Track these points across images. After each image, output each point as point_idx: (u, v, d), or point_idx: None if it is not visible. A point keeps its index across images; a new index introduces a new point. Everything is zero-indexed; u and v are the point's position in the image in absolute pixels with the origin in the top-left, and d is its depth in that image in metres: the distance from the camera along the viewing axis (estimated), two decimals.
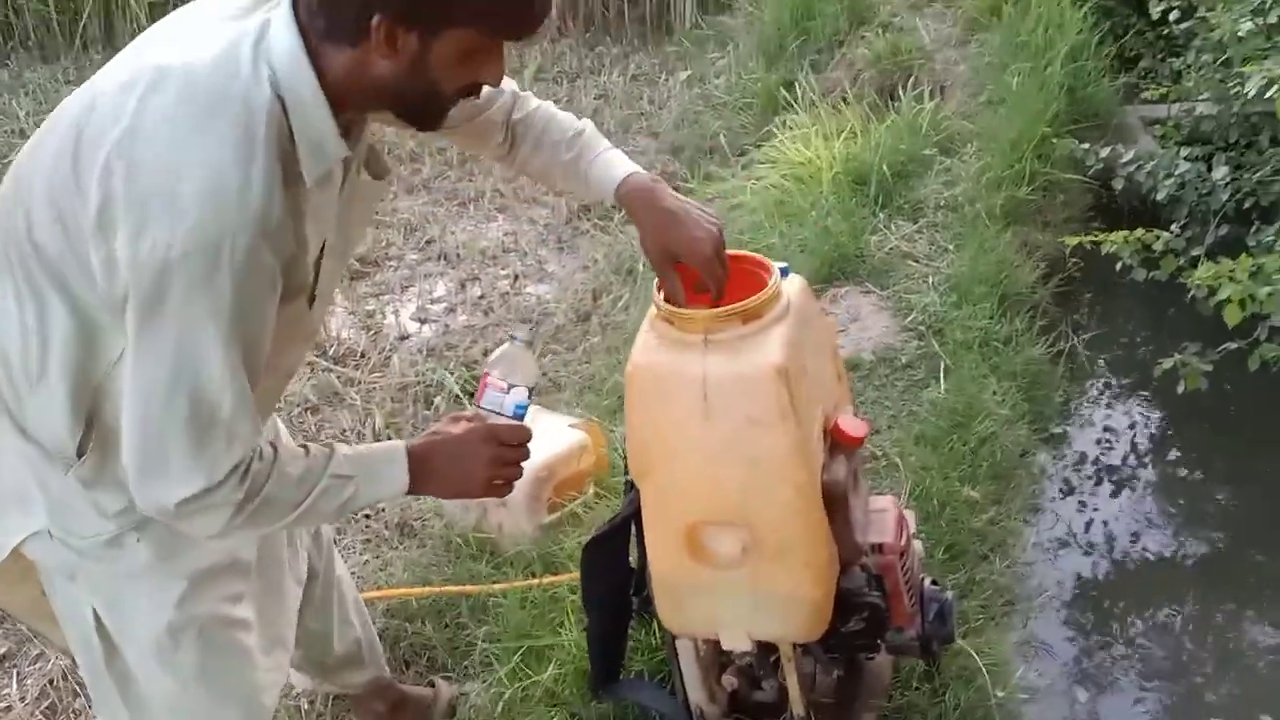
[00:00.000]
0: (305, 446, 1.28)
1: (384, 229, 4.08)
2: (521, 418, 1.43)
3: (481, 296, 3.63)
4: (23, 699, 2.13)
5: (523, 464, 1.41)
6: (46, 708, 2.12)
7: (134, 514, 1.27)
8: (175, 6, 1.28)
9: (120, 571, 1.31)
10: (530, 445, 1.42)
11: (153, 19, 4.74)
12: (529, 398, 1.44)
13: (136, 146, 1.08)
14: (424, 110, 1.23)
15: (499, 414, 1.41)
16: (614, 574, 1.81)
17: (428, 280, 3.75)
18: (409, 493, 1.33)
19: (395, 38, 1.11)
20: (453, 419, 1.39)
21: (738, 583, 1.63)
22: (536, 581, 2.15)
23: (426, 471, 1.33)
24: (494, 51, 1.19)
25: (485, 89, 1.28)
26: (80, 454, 1.24)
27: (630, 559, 1.82)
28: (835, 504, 1.66)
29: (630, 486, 1.76)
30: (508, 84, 1.45)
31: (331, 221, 1.26)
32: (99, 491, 1.26)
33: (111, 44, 5.64)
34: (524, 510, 2.34)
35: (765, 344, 1.55)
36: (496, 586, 2.17)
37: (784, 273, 1.66)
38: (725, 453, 1.57)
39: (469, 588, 2.20)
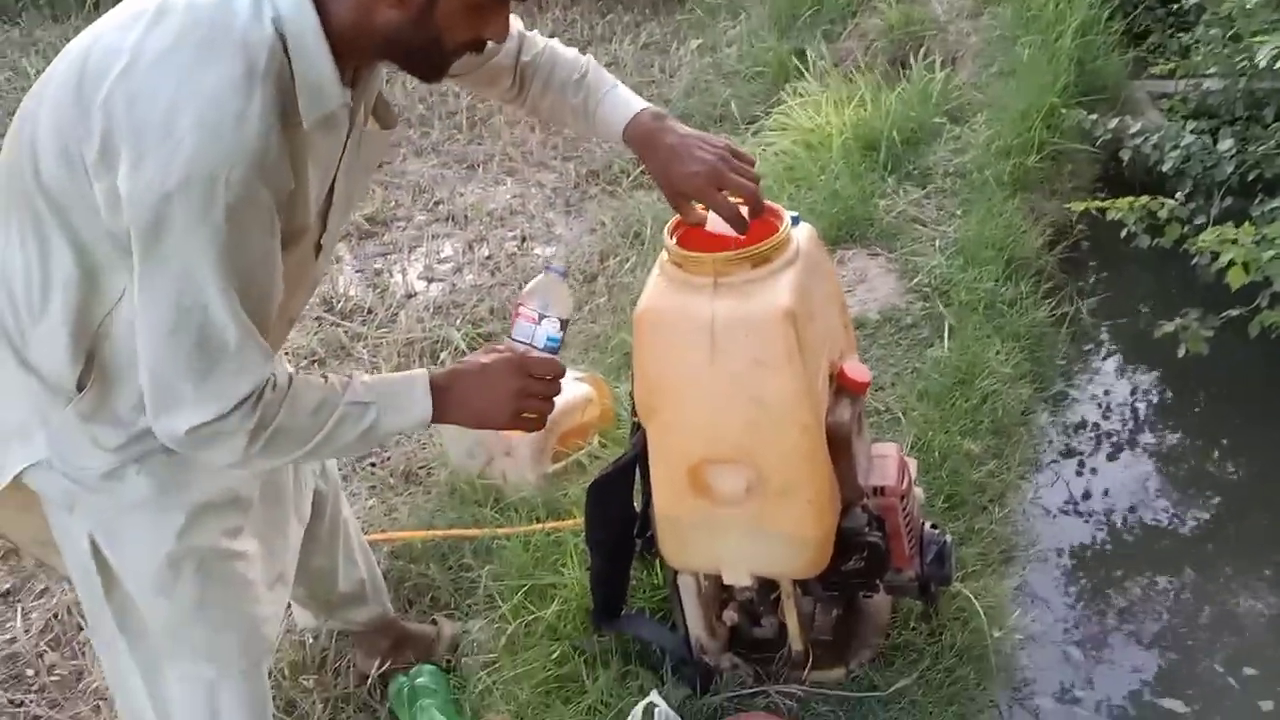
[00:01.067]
0: (325, 376, 1.29)
1: (393, 190, 4.11)
2: (554, 351, 1.40)
3: (489, 257, 3.65)
4: (26, 631, 2.17)
5: (554, 399, 1.38)
6: (50, 640, 2.16)
7: (132, 449, 1.29)
8: None
9: (119, 503, 1.33)
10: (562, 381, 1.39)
11: None
12: (562, 330, 1.41)
13: (136, 78, 1.10)
14: (427, 62, 1.24)
15: (530, 345, 1.38)
16: (618, 515, 1.84)
17: (435, 241, 3.77)
18: (433, 421, 1.32)
19: None
20: (483, 351, 1.39)
21: (741, 520, 1.66)
22: (540, 526, 2.18)
23: (450, 399, 1.32)
24: (500, 8, 1.21)
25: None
26: (80, 389, 1.26)
27: (635, 502, 1.85)
28: (839, 445, 1.69)
29: (635, 429, 1.79)
30: (514, 23, 1.45)
31: (334, 169, 1.27)
32: (97, 426, 1.28)
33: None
34: (529, 459, 2.37)
35: (774, 288, 1.57)
36: (500, 530, 2.20)
37: (795, 221, 1.68)
38: (732, 394, 1.60)
39: (473, 530, 2.24)
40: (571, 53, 1.58)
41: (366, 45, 1.19)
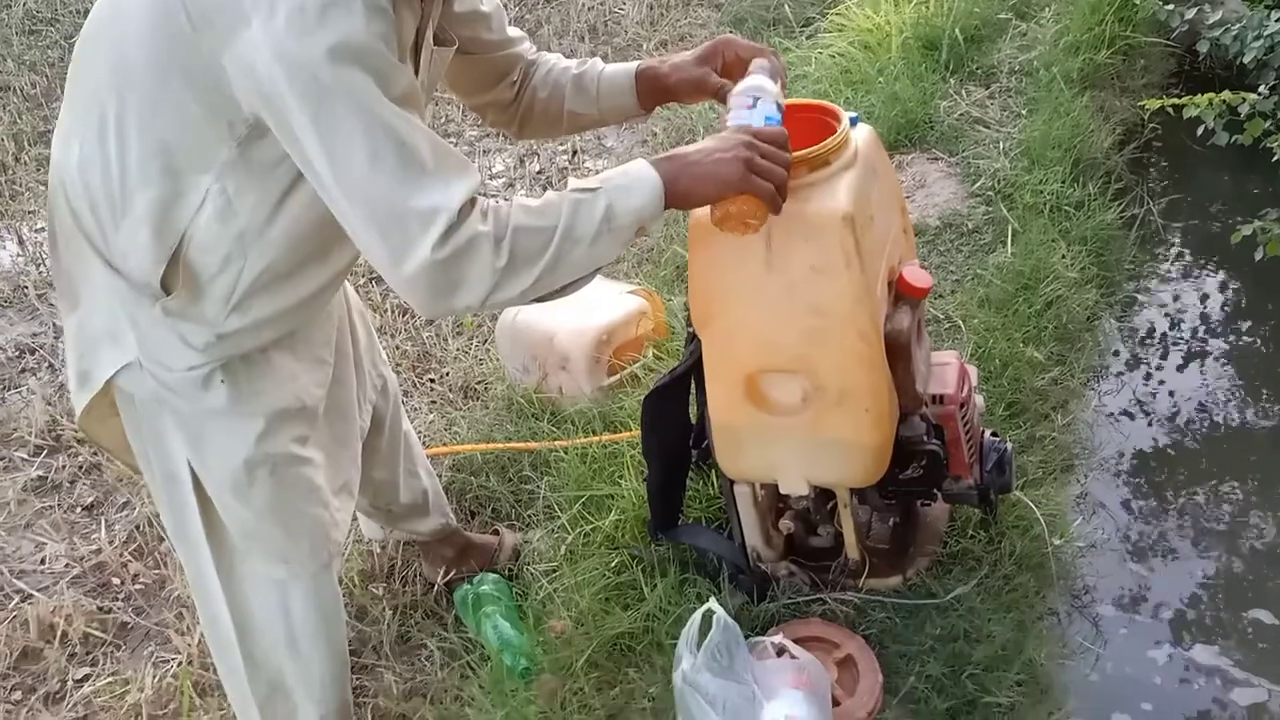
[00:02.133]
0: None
1: (442, 105, 4.06)
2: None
3: (540, 172, 3.62)
4: (111, 543, 2.26)
5: (786, 168, 1.31)
6: (134, 550, 2.25)
7: (218, 349, 1.31)
8: None
9: (204, 408, 1.36)
10: (788, 150, 1.31)
11: None
12: (779, 109, 1.35)
13: None
14: None
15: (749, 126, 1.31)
16: (674, 425, 1.84)
17: (486, 156, 3.74)
18: (668, 192, 1.25)
19: None
20: None
21: (797, 429, 1.65)
22: (596, 438, 2.20)
23: (676, 166, 1.26)
24: None
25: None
26: (166, 289, 1.27)
27: (690, 412, 1.84)
28: (898, 352, 1.66)
29: (691, 339, 1.78)
30: (529, 43, 1.54)
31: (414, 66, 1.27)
32: (185, 324, 1.29)
33: None
34: (584, 372, 2.38)
35: (832, 191, 1.53)
36: (558, 443, 2.22)
37: (853, 122, 1.62)
38: (788, 301, 1.57)
39: (531, 444, 2.26)
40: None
41: None
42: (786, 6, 4.40)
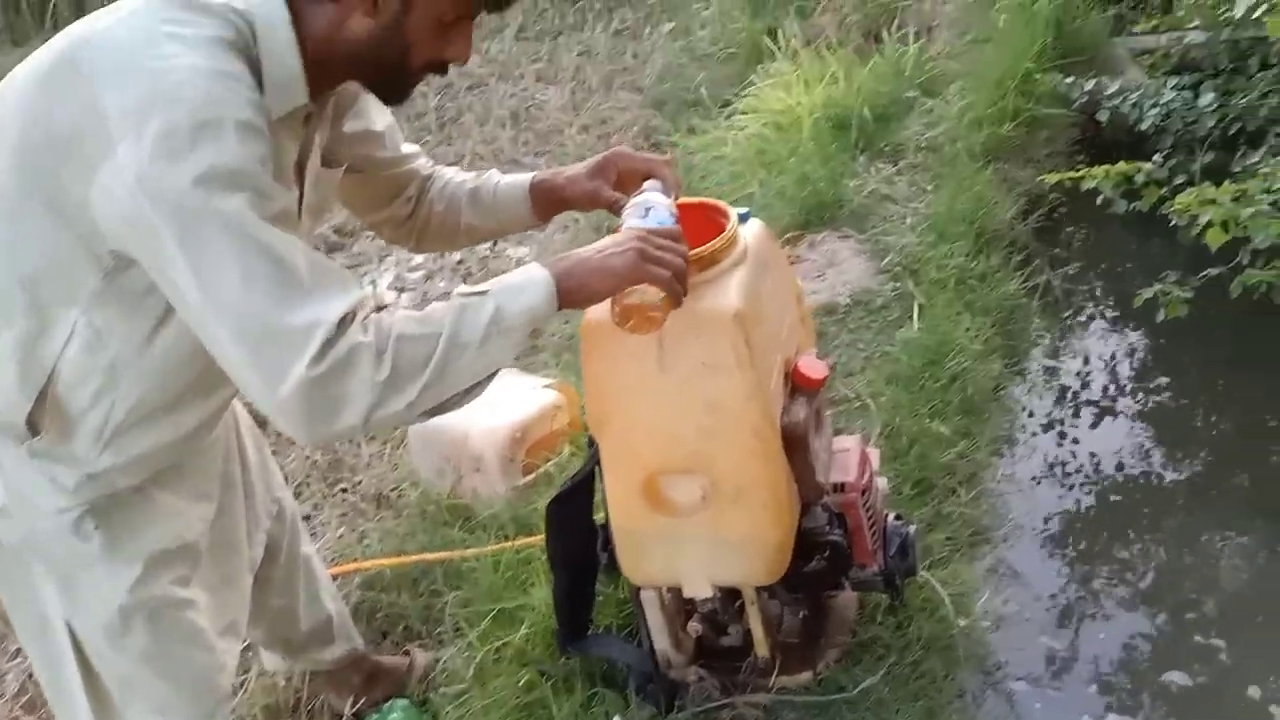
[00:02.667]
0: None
1: None
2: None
3: (460, 262, 3.62)
4: (1, 695, 2.12)
5: (684, 261, 1.30)
6: (25, 704, 2.09)
7: (91, 488, 1.27)
8: None
9: (76, 554, 1.30)
10: (680, 247, 1.31)
11: None
12: (673, 217, 1.36)
13: (114, 54, 1.09)
14: (393, 77, 1.24)
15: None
16: (579, 531, 1.81)
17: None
18: (561, 291, 1.22)
19: None
20: None
21: (698, 529, 1.63)
22: (510, 544, 2.15)
23: (568, 265, 1.24)
24: (465, 25, 1.22)
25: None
26: (33, 429, 1.23)
27: (596, 516, 1.82)
28: (795, 445, 1.66)
29: (592, 442, 1.76)
30: (425, 158, 1.55)
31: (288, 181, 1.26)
32: (55, 465, 1.25)
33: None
34: (498, 473, 2.35)
35: (722, 290, 1.54)
36: (469, 551, 2.17)
37: (744, 218, 1.64)
38: (682, 400, 1.57)
39: (441, 554, 2.20)
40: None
41: (337, 57, 1.19)
42: (704, 89, 4.50)
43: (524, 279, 1.23)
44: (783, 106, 3.78)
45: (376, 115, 1.45)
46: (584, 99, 4.76)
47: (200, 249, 1.07)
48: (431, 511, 2.34)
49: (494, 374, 1.23)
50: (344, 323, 1.10)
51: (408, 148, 1.53)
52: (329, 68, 1.21)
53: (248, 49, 1.14)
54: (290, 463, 2.70)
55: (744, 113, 3.95)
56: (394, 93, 1.28)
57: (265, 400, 1.11)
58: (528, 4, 5.95)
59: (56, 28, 5.82)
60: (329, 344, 1.09)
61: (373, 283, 3.53)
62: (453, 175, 1.58)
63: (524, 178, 1.55)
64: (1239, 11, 3.06)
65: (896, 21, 4.46)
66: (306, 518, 2.53)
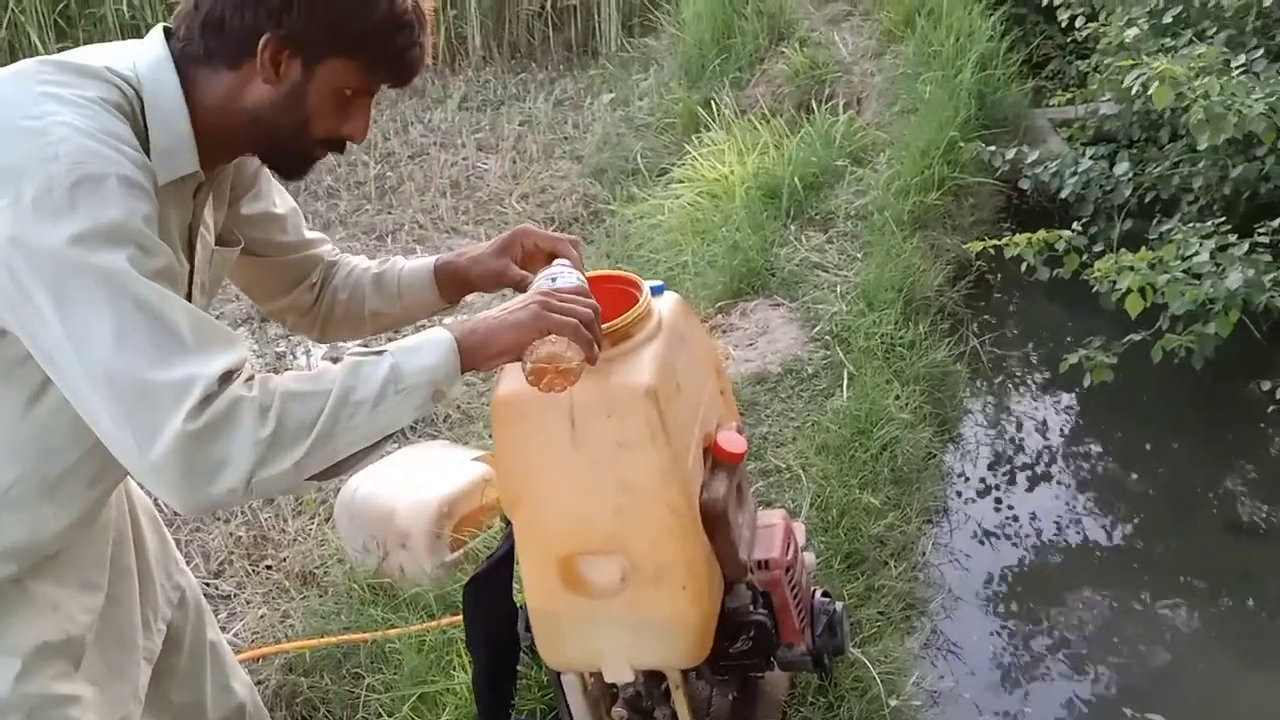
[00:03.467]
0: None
1: None
2: None
3: (397, 332, 3.58)
4: None
5: (592, 310, 1.27)
6: None
7: None
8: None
9: None
10: (589, 301, 1.28)
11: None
12: (580, 280, 1.35)
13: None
14: (291, 150, 1.23)
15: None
16: (498, 612, 1.76)
17: None
18: (461, 349, 1.18)
19: (280, 61, 1.14)
20: None
21: (616, 611, 1.59)
22: (434, 624, 2.10)
23: (472, 324, 1.20)
24: (364, 101, 1.22)
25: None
26: None
27: (516, 595, 1.78)
28: (715, 522, 1.63)
29: (508, 520, 1.73)
30: (330, 244, 1.52)
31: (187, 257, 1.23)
32: None
33: None
34: (425, 549, 2.29)
35: (634, 365, 1.52)
36: (392, 632, 2.11)
37: (658, 290, 1.64)
38: (597, 478, 1.54)
39: (364, 635, 2.14)
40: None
41: (233, 125, 1.17)
42: (642, 157, 4.55)
43: (423, 339, 1.18)
44: (716, 175, 3.84)
45: (278, 198, 1.43)
46: (524, 168, 4.79)
47: (74, 306, 1.03)
48: (356, 590, 2.28)
49: (388, 437, 1.17)
50: (226, 378, 1.06)
51: (311, 234, 1.50)
52: (223, 138, 1.19)
53: (132, 113, 1.12)
54: (213, 539, 2.63)
55: (680, 181, 4.00)
56: (291, 167, 1.26)
57: (138, 461, 1.05)
58: (471, 74, 6.02)
59: None
60: (208, 399, 1.04)
61: (306, 353, 3.48)
62: (358, 262, 1.54)
63: (428, 261, 1.52)
64: (1132, 86, 3.19)
65: (828, 92, 4.57)
66: (228, 597, 2.46)
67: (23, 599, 1.27)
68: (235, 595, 2.47)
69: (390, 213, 4.45)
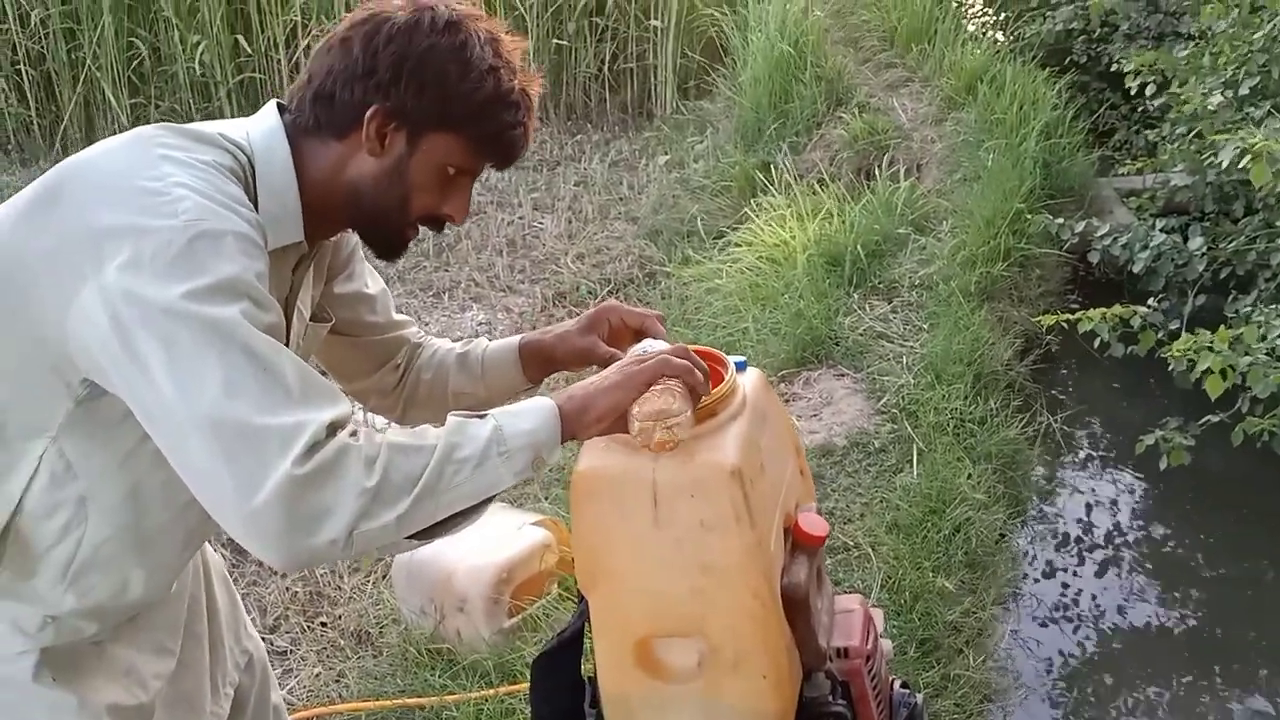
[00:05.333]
0: None
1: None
2: None
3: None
4: None
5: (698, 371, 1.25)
6: None
7: (51, 632, 1.20)
8: (156, 109, 1.31)
9: (31, 701, 1.21)
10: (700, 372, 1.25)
11: (135, 121, 4.76)
12: None
13: (105, 177, 1.08)
14: (389, 226, 1.23)
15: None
16: (566, 689, 1.71)
17: None
18: (563, 415, 1.16)
19: (385, 133, 1.16)
20: None
21: (693, 697, 1.54)
22: (493, 692, 2.06)
23: (572, 393, 1.19)
24: (465, 181, 1.23)
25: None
26: None
27: (584, 671, 1.73)
28: (796, 608, 1.57)
29: (582, 597, 1.69)
30: (416, 326, 1.52)
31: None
32: (15, 604, 1.18)
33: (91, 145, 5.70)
34: (482, 614, 2.25)
35: (719, 444, 1.48)
36: (450, 698, 2.07)
37: (741, 366, 1.60)
38: (677, 560, 1.49)
39: (422, 699, 2.11)
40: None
41: (336, 198, 1.19)
42: (699, 220, 4.56)
43: (525, 405, 1.18)
44: (777, 240, 3.82)
45: (370, 279, 1.44)
46: (580, 228, 4.81)
47: (182, 354, 1.03)
48: (412, 653, 2.24)
49: (488, 501, 1.16)
50: (333, 427, 1.04)
51: (398, 316, 1.50)
52: (326, 210, 1.20)
53: (245, 179, 1.14)
54: (269, 593, 2.61)
55: (738, 245, 3.99)
56: (388, 244, 1.26)
57: (237, 509, 1.02)
58: None
59: (65, 151, 5.95)
60: (316, 445, 1.02)
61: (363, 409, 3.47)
62: (441, 343, 1.54)
63: (513, 341, 1.51)
64: (1225, 160, 3.13)
65: (888, 158, 4.55)
66: (283, 653, 2.43)
67: (101, 661, 1.26)
68: (290, 652, 2.44)
69: (447, 270, 4.48)
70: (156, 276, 1.03)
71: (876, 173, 4.34)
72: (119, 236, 1.04)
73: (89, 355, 1.08)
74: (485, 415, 1.14)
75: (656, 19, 6.14)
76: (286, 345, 1.24)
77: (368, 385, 1.49)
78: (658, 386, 1.23)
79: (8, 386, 1.12)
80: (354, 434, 1.06)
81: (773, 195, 4.25)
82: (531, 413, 1.16)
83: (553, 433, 1.17)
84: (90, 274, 1.04)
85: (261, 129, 1.18)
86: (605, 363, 1.44)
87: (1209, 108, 3.43)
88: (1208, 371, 2.72)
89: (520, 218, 4.92)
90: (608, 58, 6.32)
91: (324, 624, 2.50)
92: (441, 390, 1.50)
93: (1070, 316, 2.96)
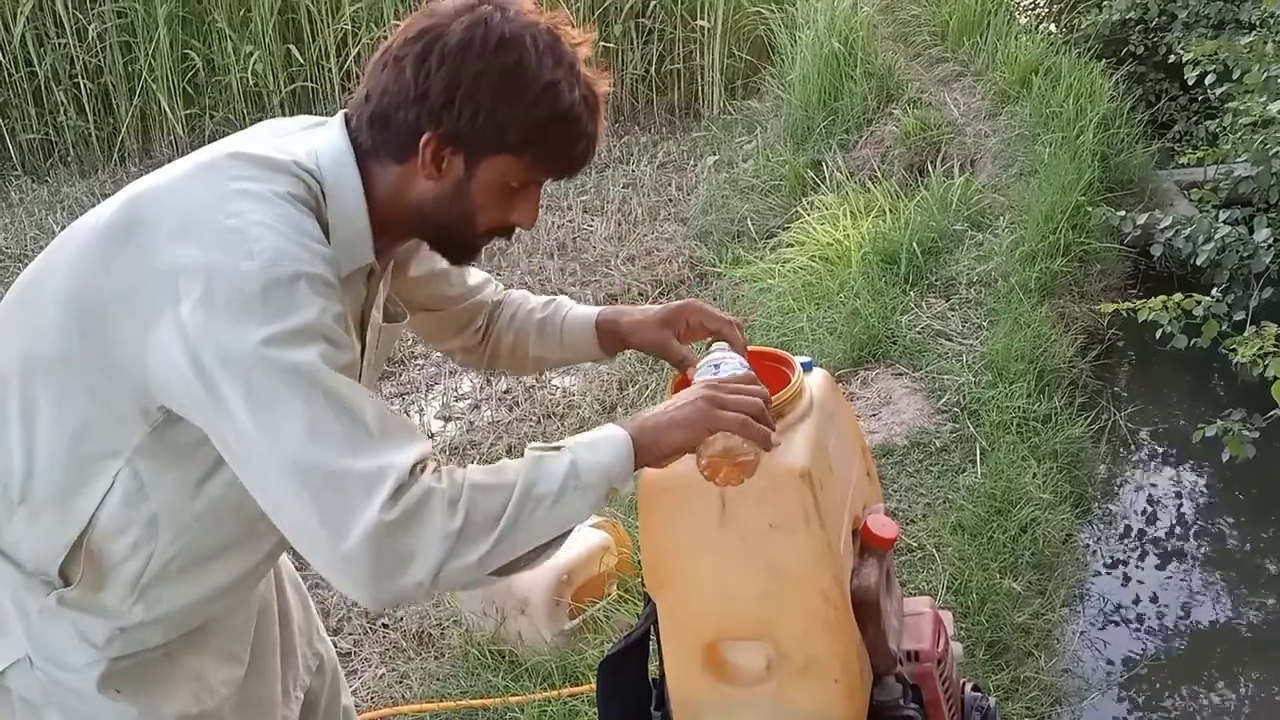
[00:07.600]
0: None
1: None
2: None
3: (506, 391, 3.60)
4: None
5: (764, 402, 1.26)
6: None
7: (120, 643, 1.22)
8: (211, 119, 1.32)
9: (98, 712, 1.23)
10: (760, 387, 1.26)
11: (190, 132, 4.84)
12: (744, 365, 1.33)
13: (181, 211, 1.08)
14: (458, 240, 1.24)
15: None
16: (632, 691, 1.71)
17: (453, 377, 3.73)
18: (637, 447, 1.17)
19: (442, 158, 1.14)
20: None
21: (762, 701, 1.53)
22: (556, 693, 2.06)
23: (642, 420, 1.19)
24: (532, 190, 1.21)
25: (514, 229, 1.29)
26: (64, 577, 1.19)
27: (650, 673, 1.72)
28: (867, 610, 1.56)
29: (648, 599, 1.68)
30: (494, 284, 1.53)
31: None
32: (84, 617, 1.20)
33: (149, 157, 5.83)
34: (544, 616, 2.26)
35: (787, 446, 1.46)
36: (513, 699, 2.08)
37: (807, 367, 1.59)
38: (745, 562, 1.48)
39: (485, 700, 2.12)
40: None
41: (401, 219, 1.19)
42: (749, 220, 4.53)
43: (600, 436, 1.18)
44: (830, 239, 3.79)
45: None
46: (629, 230, 4.81)
47: (265, 401, 1.04)
48: (474, 655, 2.26)
49: (566, 534, 1.16)
50: (416, 469, 1.06)
51: (474, 277, 1.51)
52: (393, 228, 1.21)
53: (317, 207, 1.14)
54: (332, 596, 2.64)
55: (790, 245, 3.96)
56: (459, 254, 1.27)
57: (329, 553, 1.04)
58: None
59: (123, 163, 6.03)
60: (401, 489, 1.03)
61: (419, 411, 3.51)
62: (521, 303, 1.54)
63: (590, 314, 1.51)
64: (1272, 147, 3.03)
65: (941, 154, 4.50)
66: (346, 655, 2.46)
67: (169, 669, 1.28)
68: (353, 653, 2.47)
69: (499, 274, 4.50)
70: (234, 319, 1.03)
71: (930, 169, 4.28)
72: (195, 274, 1.05)
73: (167, 389, 1.09)
74: (561, 448, 1.15)
75: (703, 19, 6.12)
76: (362, 358, 1.26)
77: (453, 345, 1.54)
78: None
79: (85, 411, 1.14)
80: (436, 473, 1.07)
81: (824, 194, 4.21)
82: (606, 445, 1.16)
83: (625, 465, 1.17)
84: (168, 310, 1.05)
85: (331, 152, 1.17)
86: (677, 363, 1.45)
87: (1275, 97, 3.34)
88: (1275, 378, 2.63)
89: (570, 221, 4.93)
90: (654, 59, 6.31)
91: (385, 625, 2.53)
92: (523, 353, 1.53)
93: (1132, 305, 2.89)
